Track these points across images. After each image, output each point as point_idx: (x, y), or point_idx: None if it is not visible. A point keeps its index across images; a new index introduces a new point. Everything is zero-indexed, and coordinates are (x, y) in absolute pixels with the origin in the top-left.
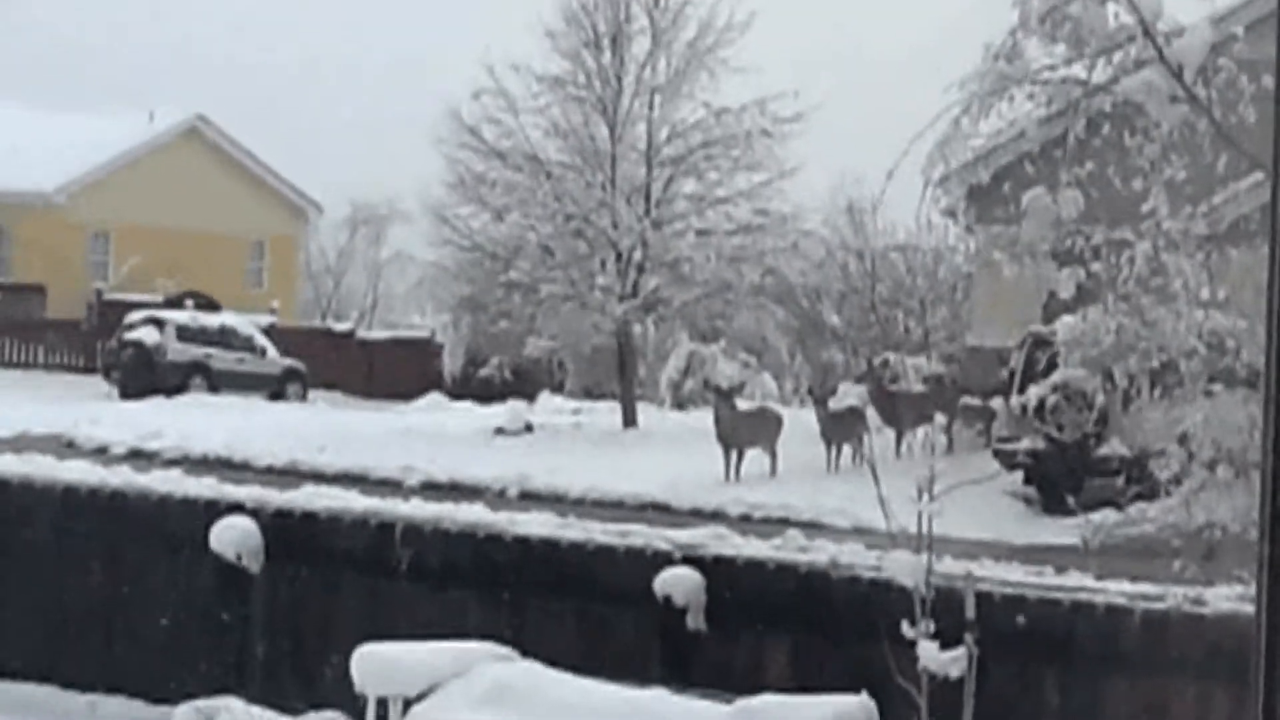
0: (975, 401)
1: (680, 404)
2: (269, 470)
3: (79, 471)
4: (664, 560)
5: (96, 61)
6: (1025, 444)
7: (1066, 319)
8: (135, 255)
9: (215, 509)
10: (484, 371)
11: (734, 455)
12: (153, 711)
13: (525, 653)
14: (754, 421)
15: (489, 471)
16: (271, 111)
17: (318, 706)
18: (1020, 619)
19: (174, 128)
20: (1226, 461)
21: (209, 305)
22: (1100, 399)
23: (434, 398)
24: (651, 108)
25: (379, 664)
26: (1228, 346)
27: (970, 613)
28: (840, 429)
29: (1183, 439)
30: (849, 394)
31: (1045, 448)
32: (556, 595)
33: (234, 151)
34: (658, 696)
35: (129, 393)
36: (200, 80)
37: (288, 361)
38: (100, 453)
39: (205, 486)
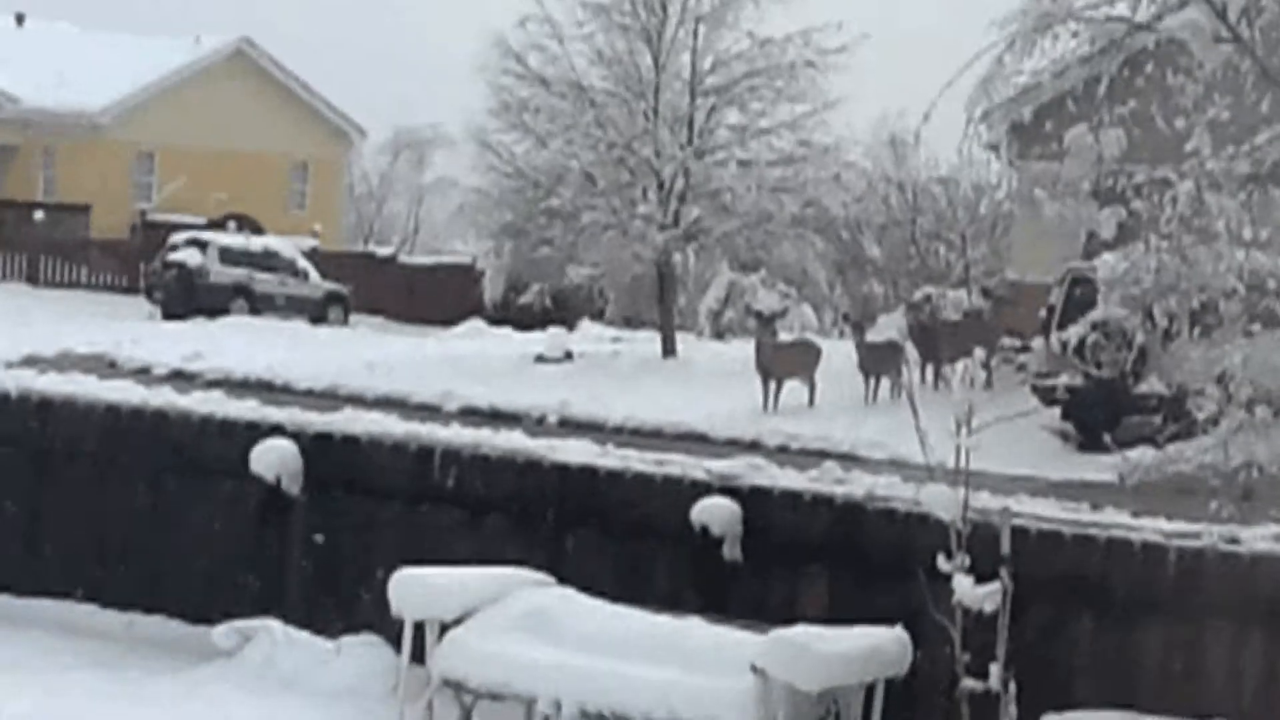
0: (1014, 338)
1: (719, 334)
2: (309, 393)
3: (121, 391)
4: (701, 490)
5: None
6: (1064, 380)
7: (1107, 257)
8: (179, 177)
9: (256, 431)
10: (524, 298)
11: (772, 386)
12: (191, 631)
13: (562, 579)
14: (793, 352)
15: (528, 398)
16: (315, 35)
17: (355, 629)
18: (1055, 554)
19: (219, 50)
20: (1265, 402)
21: (252, 227)
22: (1140, 337)
23: (474, 324)
24: (696, 37)
25: (416, 588)
26: (1268, 287)
27: (1006, 548)
28: (879, 362)
29: (1221, 379)
30: (888, 327)
31: (1084, 384)
32: (594, 523)
33: (278, 74)
34: (693, 625)
35: (171, 314)
36: (245, 5)
37: (330, 285)
38: (142, 373)
39: (246, 408)
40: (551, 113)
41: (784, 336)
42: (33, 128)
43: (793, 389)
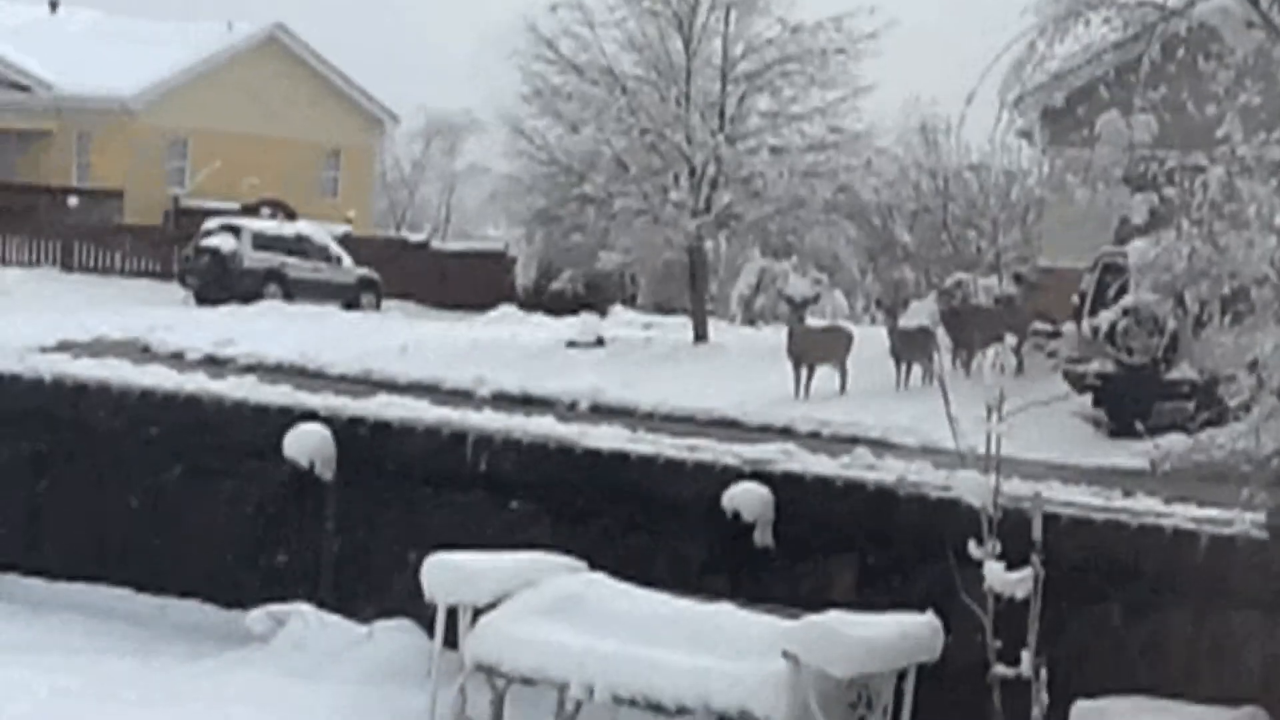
0: (1045, 324)
1: (751, 320)
2: (342, 378)
3: (155, 376)
4: (732, 475)
5: None
6: (1095, 366)
7: (1138, 243)
8: (212, 162)
9: (289, 416)
10: (556, 284)
11: (804, 372)
12: (224, 616)
13: (593, 564)
14: (825, 338)
15: (560, 384)
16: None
17: (388, 614)
18: (1086, 541)
19: (252, 36)
20: None
21: (285, 213)
22: (1171, 323)
23: (506, 310)
24: (727, 23)
25: (449, 573)
26: None
27: (1037, 534)
28: (910, 348)
29: (1253, 365)
30: (919, 313)
31: (1115, 370)
32: (625, 508)
33: (311, 61)
34: (724, 610)
35: (204, 299)
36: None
37: (362, 271)
38: (175, 358)
39: (279, 394)
40: (583, 99)
41: (815, 322)
42: (66, 114)
43: (824, 375)
